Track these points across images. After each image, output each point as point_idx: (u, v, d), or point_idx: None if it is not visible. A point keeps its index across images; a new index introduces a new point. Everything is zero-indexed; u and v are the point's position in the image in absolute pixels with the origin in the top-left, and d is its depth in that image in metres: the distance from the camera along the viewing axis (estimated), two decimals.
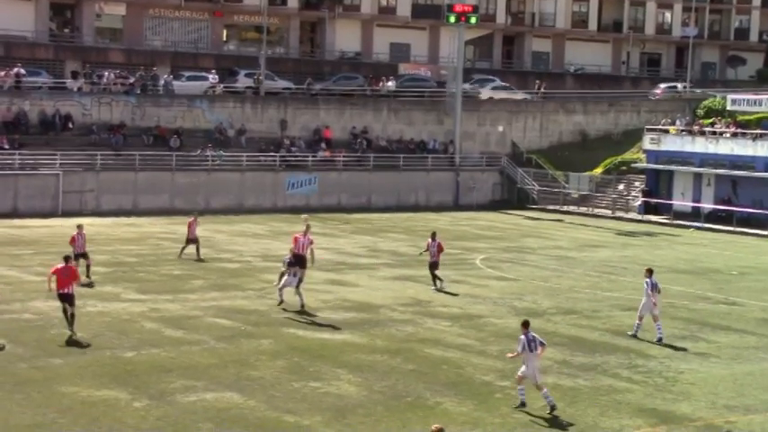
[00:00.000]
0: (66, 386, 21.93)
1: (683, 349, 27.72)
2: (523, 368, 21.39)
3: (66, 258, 26.76)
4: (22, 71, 63.10)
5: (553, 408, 21.14)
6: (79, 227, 35.00)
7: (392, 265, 41.32)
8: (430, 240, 35.82)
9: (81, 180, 57.07)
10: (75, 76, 65.76)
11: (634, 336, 28.63)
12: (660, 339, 28.19)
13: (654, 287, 28.48)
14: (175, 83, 67.11)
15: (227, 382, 22.75)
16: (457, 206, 67.74)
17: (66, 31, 76.39)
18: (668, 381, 24.49)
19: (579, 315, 31.91)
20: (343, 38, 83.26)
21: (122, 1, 75.27)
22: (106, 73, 65.91)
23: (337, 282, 36.60)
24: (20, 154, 56.17)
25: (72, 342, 25.56)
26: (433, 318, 30.69)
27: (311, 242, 31.81)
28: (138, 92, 65.20)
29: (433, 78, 78.90)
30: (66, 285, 25.81)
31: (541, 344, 21.59)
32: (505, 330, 28.80)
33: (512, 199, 70.49)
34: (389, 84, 74.43)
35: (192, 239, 40.37)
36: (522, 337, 21.42)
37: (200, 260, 39.76)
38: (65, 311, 25.96)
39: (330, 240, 46.51)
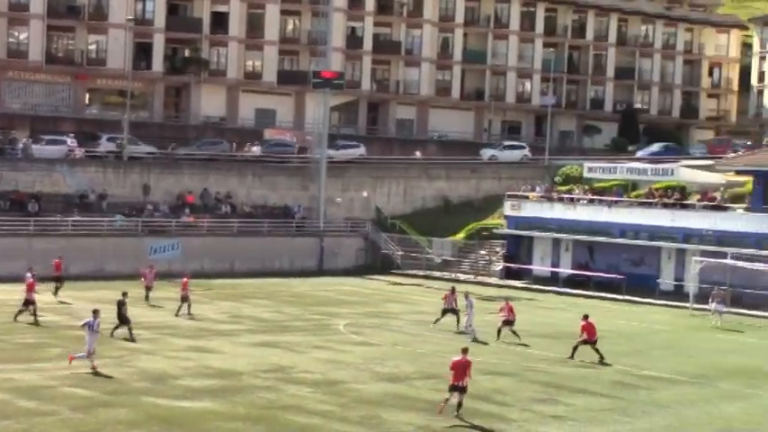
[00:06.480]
0: None
1: (541, 412, 28.21)
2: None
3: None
4: None
5: None
6: None
7: (254, 330, 41.04)
8: (449, 293, 44.35)
9: None
10: None
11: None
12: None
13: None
14: (34, 146, 65.81)
15: None
16: (321, 271, 67.67)
17: None
18: None
19: (440, 380, 32.04)
20: (209, 102, 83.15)
21: None
22: None
23: (200, 348, 36.18)
24: None
25: None
26: (296, 384, 30.53)
27: None
28: None
29: (298, 144, 79.17)
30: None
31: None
32: (367, 396, 28.81)
33: (376, 264, 70.79)
34: (254, 149, 74.43)
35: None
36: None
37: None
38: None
39: (198, 308, 45.45)
